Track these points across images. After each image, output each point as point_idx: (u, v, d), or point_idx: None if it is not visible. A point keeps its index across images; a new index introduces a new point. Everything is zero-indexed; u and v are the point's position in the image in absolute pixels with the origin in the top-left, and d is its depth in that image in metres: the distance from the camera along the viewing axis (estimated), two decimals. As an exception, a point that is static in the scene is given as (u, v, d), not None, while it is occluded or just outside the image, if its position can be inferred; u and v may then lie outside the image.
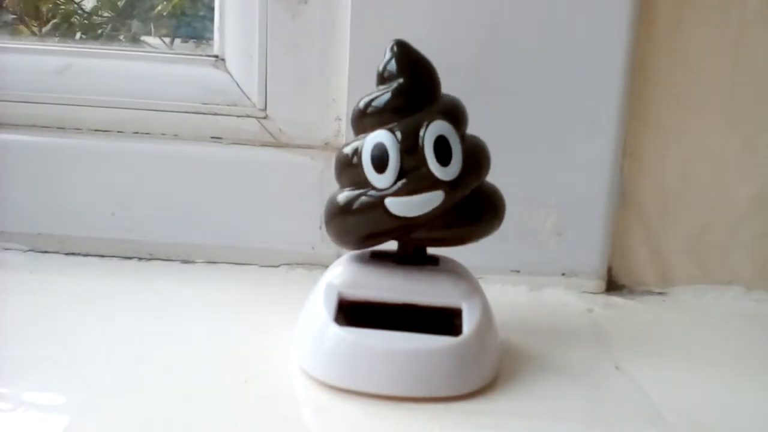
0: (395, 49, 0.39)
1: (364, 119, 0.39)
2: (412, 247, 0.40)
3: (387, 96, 0.38)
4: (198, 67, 0.55)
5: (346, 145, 0.39)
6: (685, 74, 0.52)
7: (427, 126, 0.37)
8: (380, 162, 0.37)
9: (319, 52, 0.53)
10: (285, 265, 0.54)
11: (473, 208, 0.38)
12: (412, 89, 0.38)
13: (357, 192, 0.38)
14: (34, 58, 0.55)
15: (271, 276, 0.52)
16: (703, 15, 0.51)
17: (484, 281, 0.42)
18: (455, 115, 0.39)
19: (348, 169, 0.39)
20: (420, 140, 0.37)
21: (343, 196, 0.38)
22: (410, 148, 0.37)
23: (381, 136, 0.37)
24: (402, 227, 0.38)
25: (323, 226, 0.39)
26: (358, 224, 0.38)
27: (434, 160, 0.36)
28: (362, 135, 0.38)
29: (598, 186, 0.51)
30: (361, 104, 0.39)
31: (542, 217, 0.52)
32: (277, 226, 0.53)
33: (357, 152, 0.38)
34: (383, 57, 0.39)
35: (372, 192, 0.37)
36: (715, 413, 0.37)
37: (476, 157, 0.38)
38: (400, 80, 0.38)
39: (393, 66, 0.39)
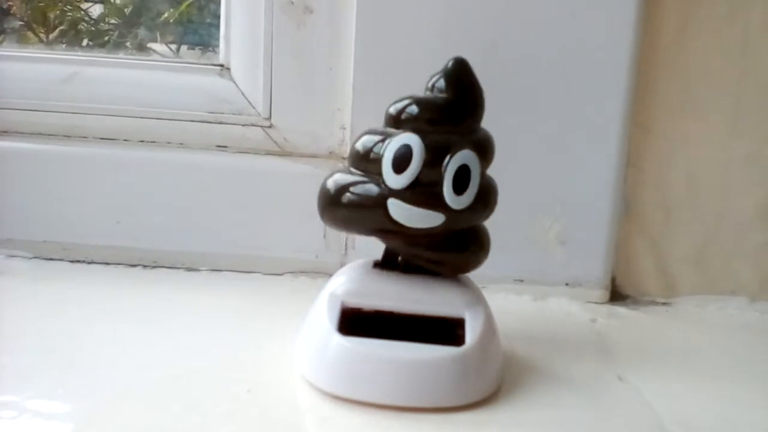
0: (452, 64, 0.39)
1: (401, 116, 0.38)
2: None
3: (431, 104, 0.38)
4: (203, 76, 0.55)
5: (375, 131, 0.39)
6: (690, 84, 0.52)
7: (457, 151, 0.37)
8: (401, 163, 0.37)
9: (324, 62, 0.53)
10: (289, 274, 0.54)
11: (460, 240, 0.39)
12: (457, 108, 0.38)
13: (364, 178, 0.38)
14: (41, 67, 0.55)
15: (275, 284, 0.53)
16: (707, 25, 0.51)
17: (488, 291, 0.43)
18: (485, 150, 0.39)
19: (366, 155, 0.38)
20: (445, 161, 0.37)
21: (350, 177, 0.38)
22: (433, 163, 0.37)
23: (411, 139, 0.37)
24: (391, 231, 0.38)
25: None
26: (353, 208, 0.38)
27: (450, 185, 0.37)
28: (392, 130, 0.38)
29: (602, 195, 0.51)
30: (403, 102, 0.39)
31: (546, 226, 0.52)
32: (281, 235, 0.53)
33: (383, 143, 0.38)
34: (440, 68, 0.39)
35: (380, 186, 0.37)
36: (719, 425, 0.37)
37: (488, 197, 0.39)
38: (448, 94, 0.38)
39: (445, 80, 0.38)
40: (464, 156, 0.37)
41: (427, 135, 0.37)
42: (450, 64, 0.39)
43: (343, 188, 0.38)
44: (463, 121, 0.38)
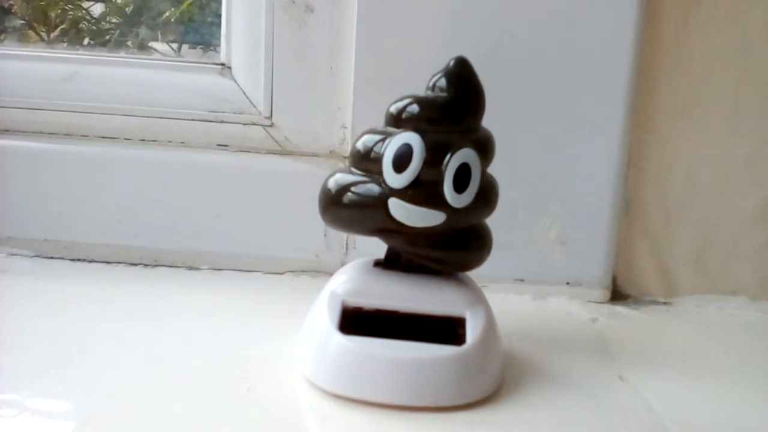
0: (454, 64, 0.39)
1: (401, 115, 0.38)
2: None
3: (431, 103, 0.38)
4: (204, 75, 0.55)
5: (376, 131, 0.39)
6: (690, 85, 0.52)
7: (457, 150, 0.37)
8: (401, 163, 0.37)
9: (325, 61, 0.53)
10: (289, 273, 0.54)
11: (461, 238, 0.39)
12: (457, 107, 0.38)
13: (365, 178, 0.38)
14: (42, 65, 0.55)
15: (276, 283, 0.53)
16: (708, 26, 0.51)
17: (488, 290, 0.43)
18: (486, 149, 0.39)
19: (367, 155, 0.38)
20: (445, 160, 0.37)
21: (351, 177, 0.39)
22: (434, 162, 0.37)
23: (412, 138, 0.37)
24: (392, 230, 0.38)
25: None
26: (354, 208, 0.38)
27: (451, 183, 0.37)
28: (393, 129, 0.38)
29: (603, 195, 0.52)
30: (403, 102, 0.39)
31: (547, 226, 0.52)
32: (281, 234, 0.53)
33: (384, 142, 0.38)
34: (441, 67, 0.39)
35: (381, 185, 0.37)
36: (718, 424, 0.37)
37: (488, 195, 0.39)
38: (449, 93, 0.38)
39: (447, 79, 0.39)
40: (465, 154, 0.37)
41: (427, 134, 0.37)
42: (451, 63, 0.39)
43: (344, 188, 0.38)
44: (463, 120, 0.38)
